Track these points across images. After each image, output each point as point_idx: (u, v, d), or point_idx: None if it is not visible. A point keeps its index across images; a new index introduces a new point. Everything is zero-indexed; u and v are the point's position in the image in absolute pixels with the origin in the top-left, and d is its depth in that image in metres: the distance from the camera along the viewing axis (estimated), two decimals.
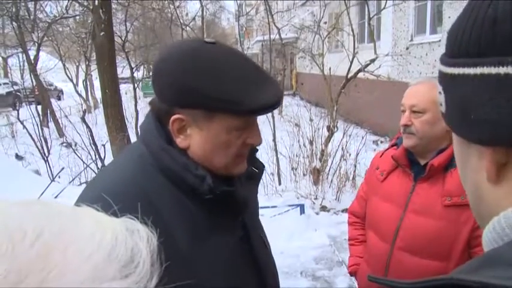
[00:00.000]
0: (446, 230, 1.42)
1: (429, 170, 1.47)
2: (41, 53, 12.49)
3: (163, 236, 0.85)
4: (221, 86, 0.85)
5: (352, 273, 1.85)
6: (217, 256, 0.93)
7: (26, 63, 11.56)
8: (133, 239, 0.41)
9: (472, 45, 0.41)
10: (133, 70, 11.74)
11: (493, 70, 0.39)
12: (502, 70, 0.38)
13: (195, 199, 0.91)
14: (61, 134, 10.52)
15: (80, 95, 15.43)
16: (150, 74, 0.95)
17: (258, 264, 1.03)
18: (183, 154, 0.91)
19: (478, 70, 0.40)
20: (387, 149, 1.73)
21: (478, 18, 0.40)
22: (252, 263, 1.02)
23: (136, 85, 11.34)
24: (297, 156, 6.26)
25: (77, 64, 19.55)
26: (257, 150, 1.02)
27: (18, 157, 7.97)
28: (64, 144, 8.28)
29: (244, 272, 1.00)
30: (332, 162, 5.99)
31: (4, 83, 15.86)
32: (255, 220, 1.09)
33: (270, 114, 7.03)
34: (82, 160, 6.49)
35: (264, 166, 1.10)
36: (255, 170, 1.06)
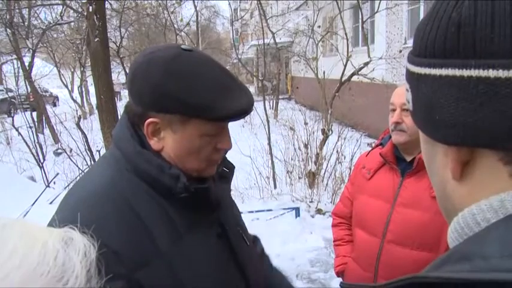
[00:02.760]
0: (433, 221, 1.46)
1: (417, 163, 1.53)
2: (36, 59, 12.44)
3: (144, 238, 0.87)
4: (198, 93, 0.88)
5: (339, 274, 1.86)
6: (198, 253, 0.95)
7: (20, 70, 11.50)
8: (67, 252, 0.39)
9: (438, 47, 0.41)
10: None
11: (457, 72, 0.39)
12: (465, 73, 0.39)
13: (171, 199, 0.93)
14: (56, 140, 10.48)
15: (75, 101, 15.40)
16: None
17: (238, 259, 1.05)
18: (157, 156, 0.94)
19: (443, 71, 0.41)
20: (373, 148, 1.78)
21: (443, 20, 0.41)
22: (232, 258, 1.04)
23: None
24: (292, 159, 6.28)
25: (72, 70, 19.51)
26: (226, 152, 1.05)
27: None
28: (58, 151, 8.21)
29: (225, 267, 1.02)
30: (327, 165, 6.01)
31: None
32: (232, 217, 1.11)
33: (265, 118, 7.04)
34: (77, 166, 6.48)
35: (234, 166, 1.14)
36: (226, 170, 1.11)
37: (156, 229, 0.89)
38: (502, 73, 0.37)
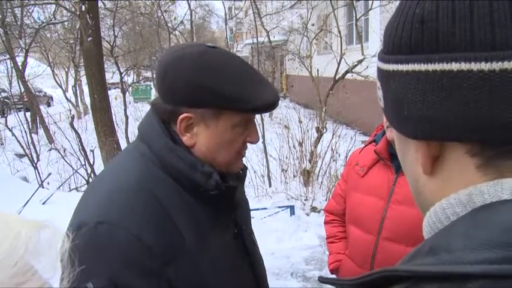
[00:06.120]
0: None
1: None
2: (29, 59, 12.34)
3: (173, 233, 0.88)
4: (230, 84, 0.91)
5: (333, 271, 1.86)
6: (219, 252, 0.97)
7: (13, 70, 11.41)
8: (39, 243, 0.39)
9: (404, 43, 0.42)
10: (123, 75, 11.68)
11: (422, 67, 0.40)
12: (430, 67, 0.39)
13: (197, 196, 0.94)
14: (50, 140, 10.43)
15: (69, 101, 15.31)
16: (154, 76, 0.99)
17: (251, 259, 1.08)
18: (188, 153, 0.95)
19: (410, 67, 0.41)
20: (366, 145, 1.77)
21: (408, 17, 0.41)
22: (247, 258, 1.07)
23: (126, 89, 11.29)
24: (286, 158, 6.28)
25: (66, 70, 19.40)
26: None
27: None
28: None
29: (241, 266, 1.05)
30: (322, 163, 6.02)
31: None
32: (245, 218, 1.14)
33: (259, 117, 7.04)
34: (71, 166, 6.45)
35: (246, 168, 1.15)
36: (240, 172, 1.12)
37: (182, 225, 0.91)
38: (464, 66, 0.37)
